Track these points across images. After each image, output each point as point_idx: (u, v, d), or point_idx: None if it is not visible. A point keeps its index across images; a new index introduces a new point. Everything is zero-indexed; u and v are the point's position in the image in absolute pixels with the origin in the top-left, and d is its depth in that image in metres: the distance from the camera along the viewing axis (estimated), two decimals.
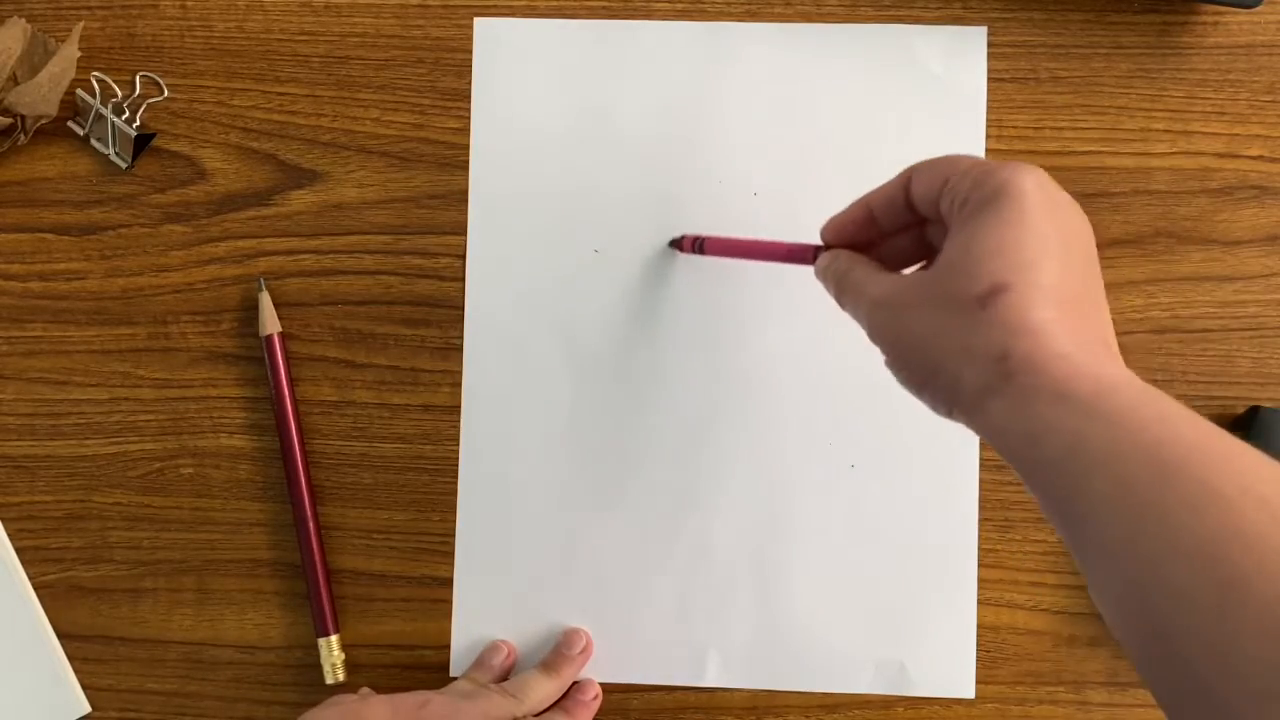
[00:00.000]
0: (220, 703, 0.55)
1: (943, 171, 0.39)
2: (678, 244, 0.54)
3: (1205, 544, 0.29)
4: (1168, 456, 0.31)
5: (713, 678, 0.54)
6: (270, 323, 0.54)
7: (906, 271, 0.40)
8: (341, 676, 0.54)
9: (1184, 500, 0.30)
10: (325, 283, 0.55)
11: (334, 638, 0.54)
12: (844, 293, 0.42)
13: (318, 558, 0.54)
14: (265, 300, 0.54)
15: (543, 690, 0.51)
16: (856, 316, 0.41)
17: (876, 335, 0.39)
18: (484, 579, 0.54)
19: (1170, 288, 0.54)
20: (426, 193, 0.55)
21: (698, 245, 0.52)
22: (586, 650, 0.53)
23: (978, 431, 0.36)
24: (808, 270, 0.54)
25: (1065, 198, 0.37)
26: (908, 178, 0.41)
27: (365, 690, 0.52)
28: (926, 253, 0.43)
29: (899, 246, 0.43)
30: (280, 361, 0.54)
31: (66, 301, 0.56)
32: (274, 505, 0.55)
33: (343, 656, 0.54)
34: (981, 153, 0.54)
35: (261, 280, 0.55)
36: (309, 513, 0.54)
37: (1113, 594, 0.32)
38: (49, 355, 0.55)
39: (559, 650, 0.53)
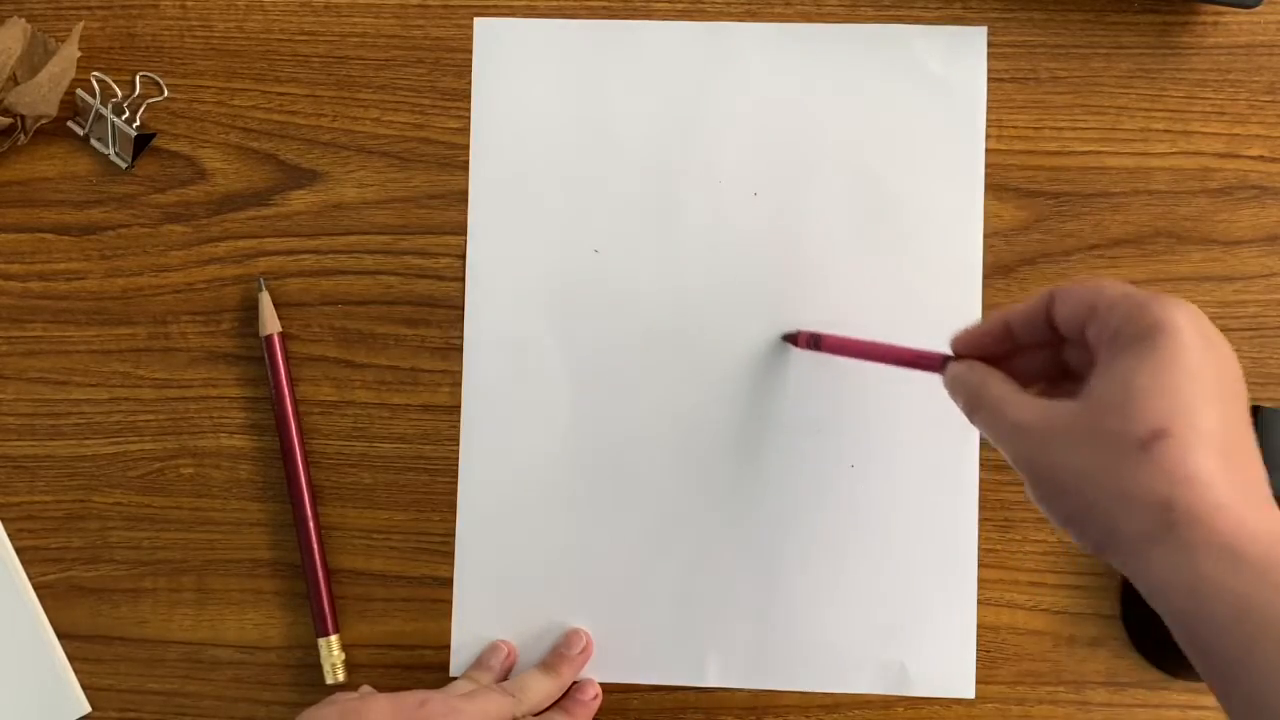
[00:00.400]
0: (220, 703, 0.55)
1: (1090, 299, 0.39)
2: (792, 339, 0.53)
3: None
4: None
5: (713, 678, 0.54)
6: (270, 323, 0.54)
7: (1049, 399, 0.39)
8: (341, 677, 0.54)
9: None
10: (325, 283, 0.55)
11: (334, 638, 0.54)
12: (978, 410, 0.41)
13: (318, 558, 0.54)
14: (265, 300, 0.54)
15: (542, 689, 0.52)
16: (993, 437, 0.40)
17: (1020, 463, 0.38)
18: (484, 579, 0.54)
19: (1170, 288, 0.54)
20: (426, 193, 0.55)
21: (814, 342, 0.51)
22: (586, 651, 0.53)
23: (1130, 576, 0.36)
24: (806, 269, 0.54)
25: (1218, 336, 0.37)
26: (1050, 299, 0.40)
27: (365, 689, 0.52)
28: (1060, 371, 0.42)
29: (1033, 362, 0.42)
30: (280, 361, 0.54)
31: (66, 301, 0.56)
32: (274, 505, 0.55)
33: (343, 656, 0.54)
34: (981, 153, 0.54)
35: (261, 280, 0.55)
36: (309, 513, 0.54)
37: None
38: (49, 355, 0.56)
39: (559, 650, 0.53)
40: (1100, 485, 0.35)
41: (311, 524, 0.54)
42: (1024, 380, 0.42)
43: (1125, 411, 0.35)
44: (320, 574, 0.54)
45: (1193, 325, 0.36)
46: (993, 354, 0.43)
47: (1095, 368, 0.37)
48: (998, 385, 0.41)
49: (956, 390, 0.42)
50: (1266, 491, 0.36)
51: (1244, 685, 0.32)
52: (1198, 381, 0.35)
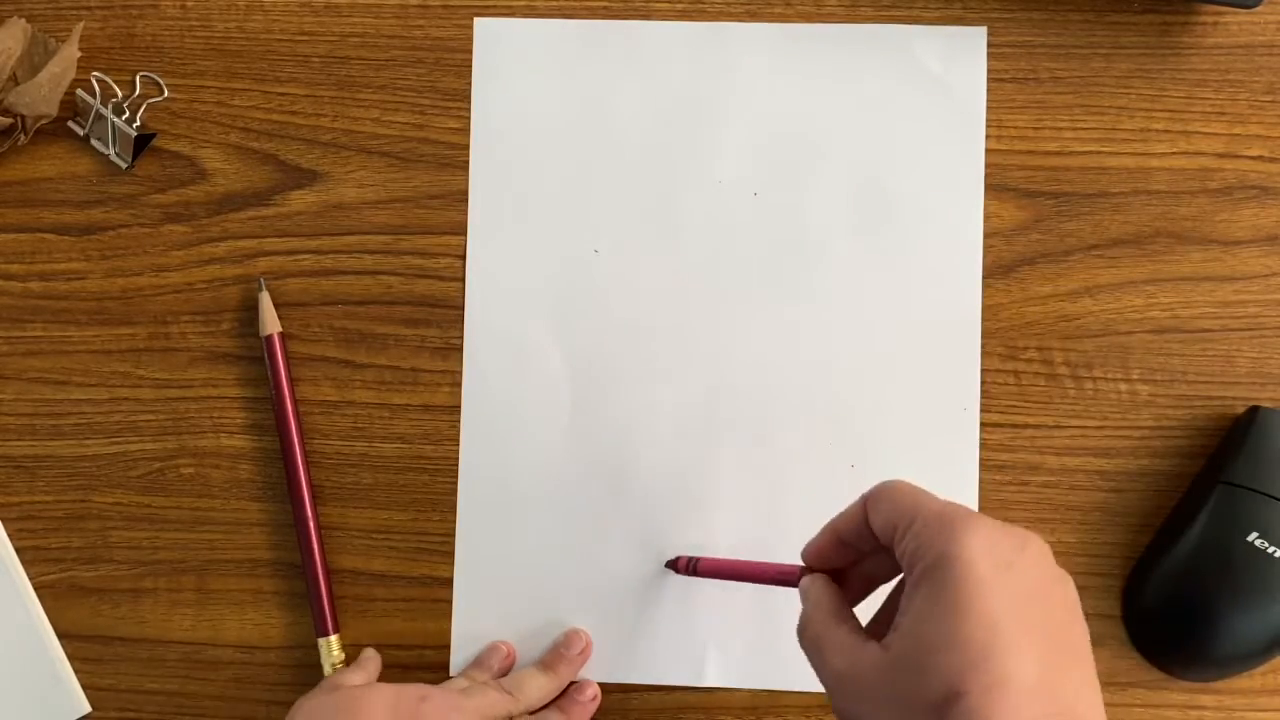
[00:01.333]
0: (220, 703, 0.55)
1: (899, 513, 0.37)
2: (673, 565, 0.53)
3: None
4: None
5: (713, 678, 0.54)
6: (270, 323, 0.54)
7: (863, 640, 0.38)
8: None
9: None
10: (325, 283, 0.55)
11: (334, 638, 0.54)
12: (802, 642, 0.40)
13: (318, 558, 0.54)
14: (265, 300, 0.54)
15: (539, 688, 0.52)
16: (818, 674, 0.39)
17: (834, 709, 0.37)
18: (484, 579, 0.54)
19: (1170, 288, 0.54)
20: (426, 193, 0.55)
21: (691, 566, 0.52)
22: (585, 651, 0.53)
23: None
24: (806, 269, 0.54)
25: (1022, 558, 0.35)
26: (863, 506, 0.39)
27: (368, 652, 0.52)
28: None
29: (881, 566, 0.41)
30: (280, 361, 0.54)
31: (66, 301, 0.56)
32: (274, 505, 0.55)
33: (342, 656, 0.54)
34: (981, 153, 0.54)
35: (262, 280, 0.55)
36: (309, 513, 0.54)
37: None
38: (49, 355, 0.56)
39: (557, 650, 0.53)
40: None
41: (311, 524, 0.54)
42: (878, 581, 0.41)
43: (918, 670, 0.34)
44: (320, 574, 0.54)
45: (983, 554, 0.34)
46: (842, 562, 0.42)
47: (902, 600, 0.36)
48: (821, 619, 0.39)
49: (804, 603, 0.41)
50: (1091, 707, 0.34)
51: None
52: (988, 627, 0.33)
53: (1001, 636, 0.33)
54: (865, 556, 0.41)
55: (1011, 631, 0.33)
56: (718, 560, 0.52)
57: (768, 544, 0.54)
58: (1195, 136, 0.54)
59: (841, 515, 0.41)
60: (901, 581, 0.38)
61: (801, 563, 0.44)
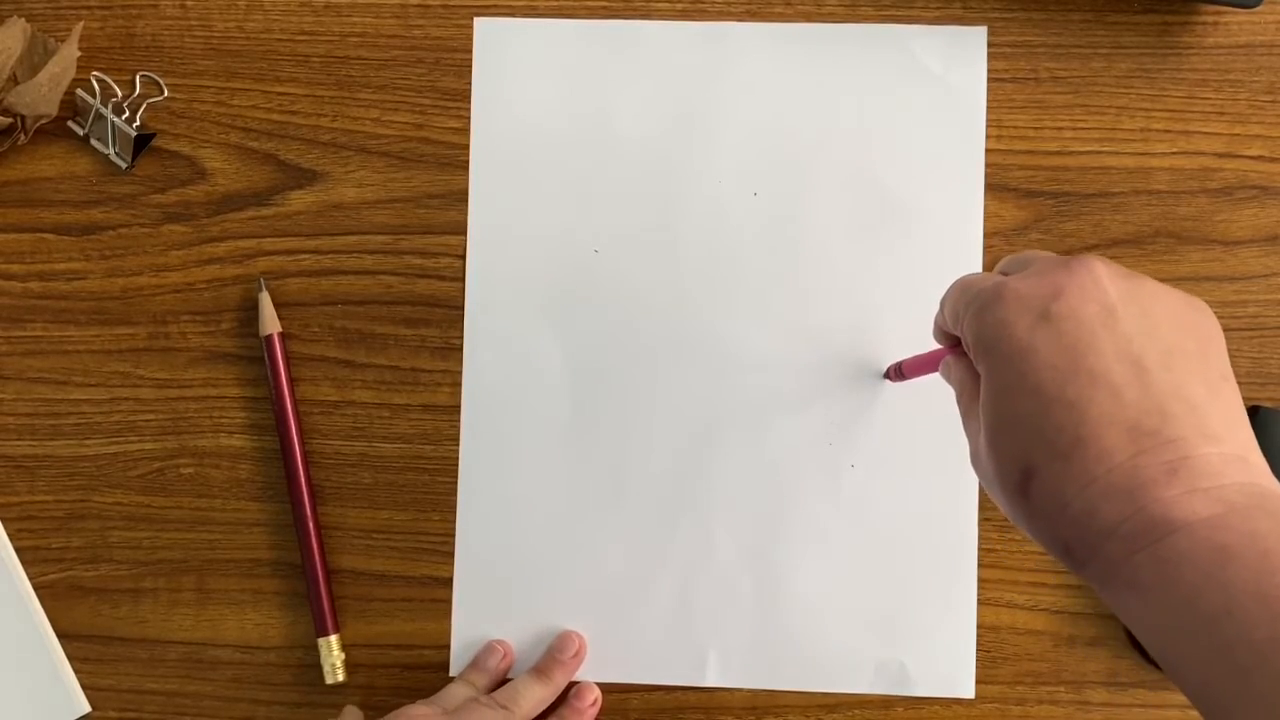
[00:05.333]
0: (220, 703, 0.55)
1: (952, 305, 0.36)
2: (888, 375, 0.52)
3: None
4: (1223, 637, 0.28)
5: (713, 678, 0.54)
6: (270, 322, 0.54)
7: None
8: (341, 676, 0.54)
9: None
10: (325, 283, 0.55)
11: (334, 638, 0.54)
12: (961, 416, 0.38)
13: (317, 557, 0.54)
14: (265, 300, 0.54)
15: (534, 697, 0.51)
16: None
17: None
18: (484, 579, 0.54)
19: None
20: (426, 193, 0.55)
21: (898, 372, 0.50)
22: (580, 654, 0.53)
23: None
24: (806, 269, 0.54)
25: (1060, 304, 0.32)
26: (942, 301, 0.38)
27: (351, 710, 0.52)
28: None
29: None
30: (280, 361, 0.54)
31: (66, 301, 0.56)
32: (274, 505, 0.55)
33: (343, 656, 0.54)
34: (981, 153, 0.54)
35: (262, 280, 0.55)
36: (309, 513, 0.54)
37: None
38: (49, 355, 0.56)
39: (551, 654, 0.53)
40: (1025, 528, 0.33)
41: (311, 524, 0.54)
42: None
43: (995, 456, 0.32)
44: (320, 574, 0.54)
45: (1012, 318, 0.32)
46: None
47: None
48: (961, 403, 0.38)
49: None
50: (1219, 433, 0.30)
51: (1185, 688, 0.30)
52: (1040, 398, 0.31)
53: (1056, 409, 0.31)
54: None
55: (1069, 400, 0.31)
56: (912, 360, 0.48)
57: (768, 543, 0.54)
58: (1195, 136, 0.54)
59: (937, 315, 0.40)
60: None
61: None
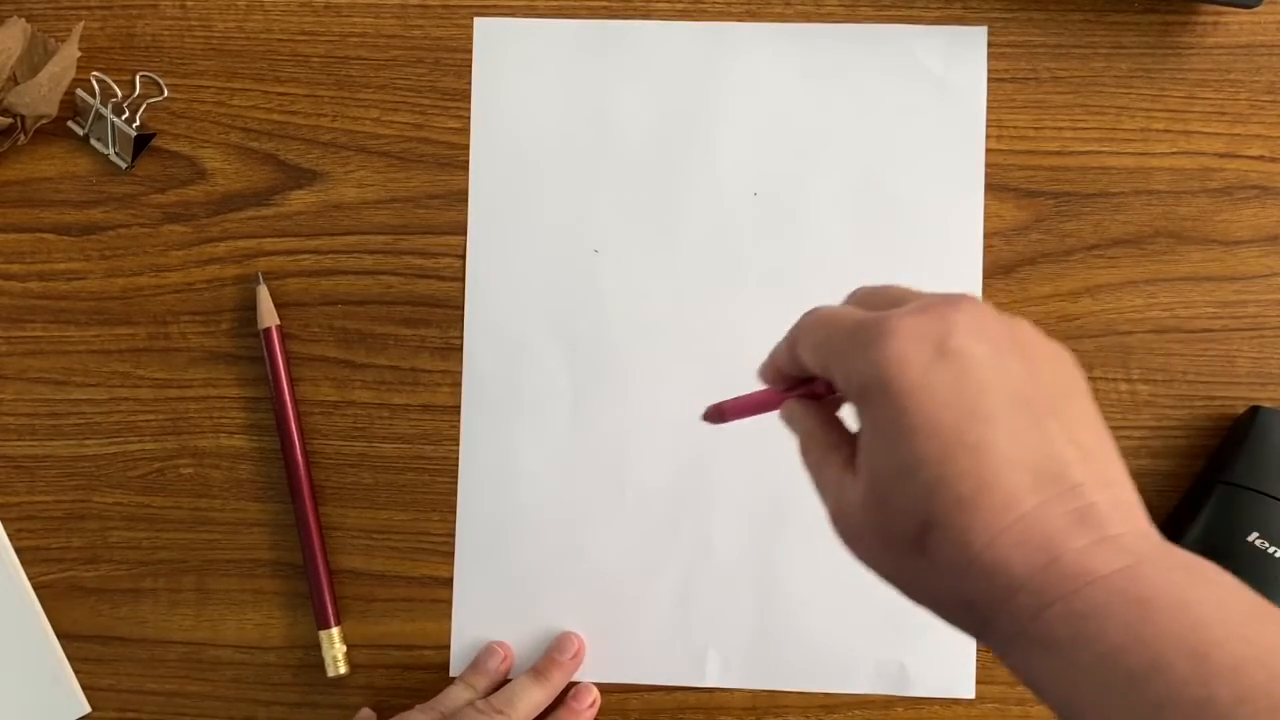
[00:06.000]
0: (220, 703, 0.55)
1: (822, 346, 0.33)
2: (707, 418, 0.45)
3: None
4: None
5: (713, 678, 0.54)
6: (268, 316, 0.54)
7: (845, 471, 0.33)
8: (343, 669, 0.54)
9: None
10: (325, 283, 0.55)
11: (335, 630, 0.54)
12: (807, 470, 0.35)
13: (317, 549, 0.54)
14: (263, 293, 0.54)
15: (531, 700, 0.51)
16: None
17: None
18: (484, 579, 0.54)
19: (1170, 288, 0.54)
20: (426, 193, 0.55)
21: (719, 413, 0.44)
22: (578, 655, 0.53)
23: None
24: (806, 269, 0.54)
25: (954, 341, 0.29)
26: (792, 342, 0.34)
27: (365, 713, 0.52)
28: None
29: None
30: (279, 355, 0.54)
31: (66, 301, 0.56)
32: (274, 505, 0.55)
33: (344, 649, 0.54)
34: (981, 153, 0.54)
35: (259, 274, 0.55)
36: (308, 505, 0.54)
37: None
38: (49, 355, 0.55)
39: (550, 655, 0.53)
40: (907, 588, 0.31)
41: (311, 515, 0.54)
42: None
43: (886, 507, 0.30)
44: (321, 564, 0.54)
45: (906, 357, 0.29)
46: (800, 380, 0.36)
47: (858, 435, 0.31)
48: (811, 452, 0.34)
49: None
50: (1112, 479, 0.29)
51: None
52: (937, 442, 0.28)
53: (957, 451, 0.28)
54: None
55: (965, 432, 0.28)
56: (735, 400, 0.42)
57: (768, 543, 0.54)
58: (1195, 136, 0.54)
59: (775, 354, 0.36)
60: None
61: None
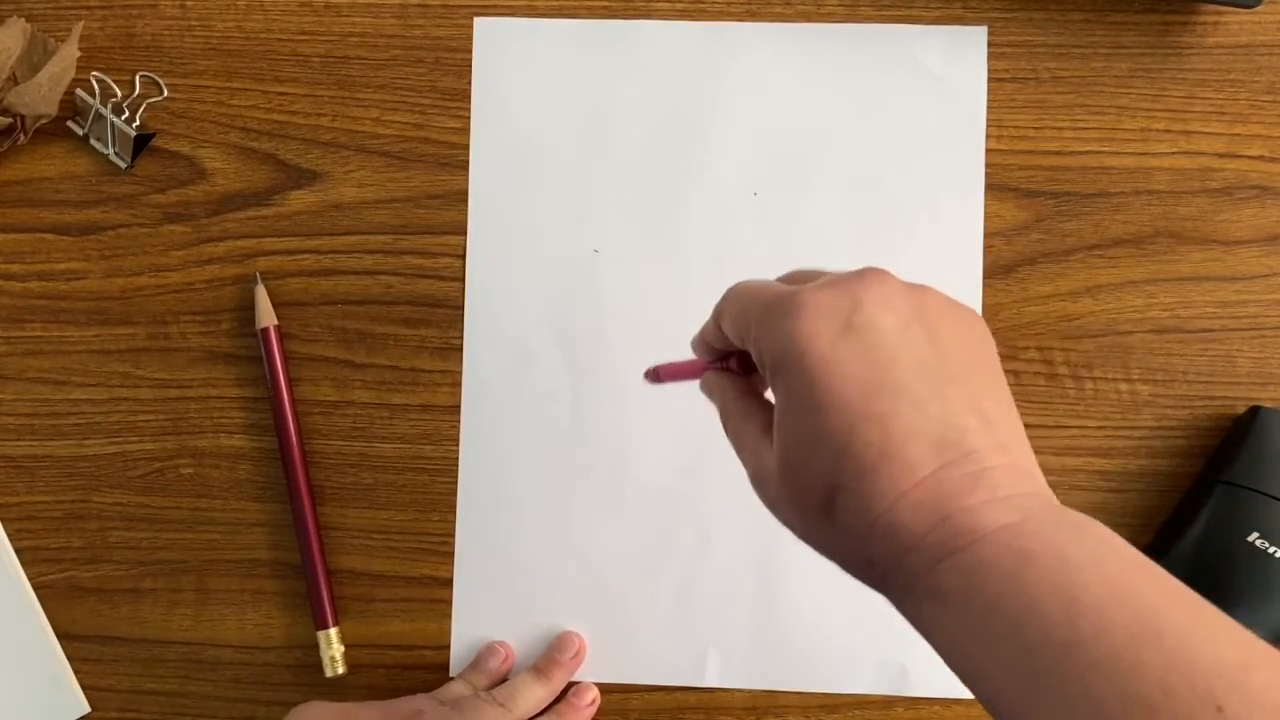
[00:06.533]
0: (220, 703, 0.55)
1: (739, 315, 0.34)
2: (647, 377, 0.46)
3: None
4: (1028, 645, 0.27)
5: (713, 678, 0.54)
6: (266, 315, 0.54)
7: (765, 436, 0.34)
8: (341, 670, 0.54)
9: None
10: (325, 282, 0.55)
11: (333, 631, 0.54)
12: (730, 439, 0.36)
13: (315, 550, 0.54)
14: (261, 293, 0.54)
15: (533, 696, 0.51)
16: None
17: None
18: (484, 579, 0.54)
19: (1170, 288, 0.54)
20: (426, 193, 0.55)
21: (655, 374, 0.45)
22: (579, 654, 0.53)
23: None
24: (806, 265, 0.54)
25: (861, 315, 0.31)
26: (719, 312, 0.36)
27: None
28: None
29: None
30: (277, 355, 0.54)
31: (66, 301, 0.56)
32: (274, 505, 0.55)
33: (343, 649, 0.54)
34: (981, 153, 0.54)
35: (258, 274, 0.55)
36: (306, 505, 0.54)
37: None
38: (49, 355, 0.55)
39: (551, 654, 0.53)
40: (818, 548, 0.33)
41: (309, 516, 0.54)
42: None
43: (797, 473, 0.31)
44: (319, 566, 0.54)
45: (815, 330, 0.30)
46: (726, 353, 0.38)
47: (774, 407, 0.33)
48: (730, 420, 0.36)
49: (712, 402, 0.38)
50: (1010, 444, 0.30)
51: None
52: (841, 411, 0.30)
53: (859, 422, 0.30)
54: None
55: (868, 414, 0.30)
56: (670, 365, 0.45)
57: (768, 543, 0.54)
58: (1196, 136, 0.54)
59: (704, 328, 0.38)
60: None
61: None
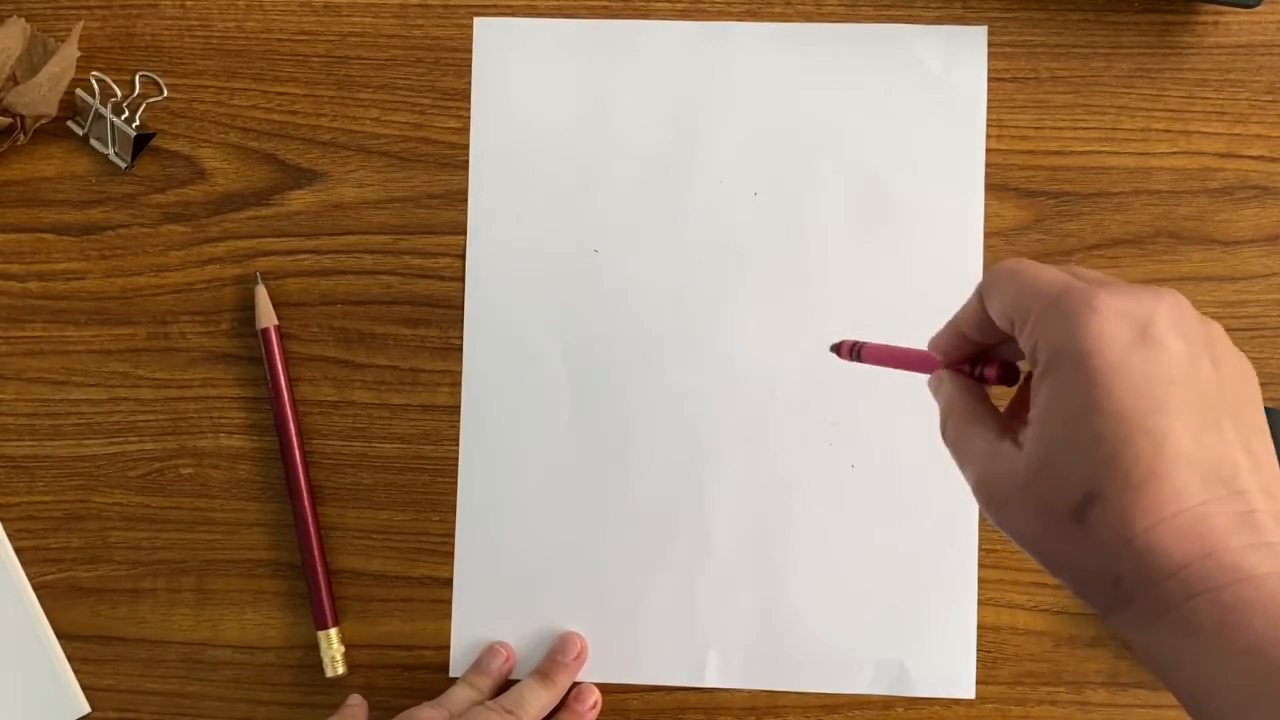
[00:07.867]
0: (220, 703, 0.55)
1: (1015, 304, 0.33)
2: (836, 349, 0.46)
3: None
4: None
5: (713, 678, 0.54)
6: (266, 315, 0.54)
7: (1001, 440, 0.34)
8: (341, 670, 0.54)
9: None
10: (325, 283, 0.55)
11: (333, 631, 0.54)
12: (946, 443, 0.36)
13: (316, 550, 0.54)
14: (261, 293, 0.54)
15: (539, 702, 0.51)
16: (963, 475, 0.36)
17: (987, 516, 0.34)
18: (484, 579, 0.54)
19: (1171, 288, 0.53)
20: (426, 193, 0.55)
21: (855, 352, 0.45)
22: (581, 655, 0.53)
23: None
24: (806, 269, 0.54)
25: (1154, 331, 0.30)
26: (980, 298, 0.35)
27: (354, 698, 0.52)
28: None
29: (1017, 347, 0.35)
30: (277, 355, 0.54)
31: (66, 301, 0.56)
32: (274, 505, 0.55)
33: (343, 649, 0.54)
34: (981, 153, 0.54)
35: (258, 274, 0.55)
36: (306, 504, 0.54)
37: None
38: (49, 355, 0.55)
39: (553, 657, 0.53)
40: (1055, 559, 0.32)
41: (309, 516, 0.54)
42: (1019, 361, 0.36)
43: (1054, 474, 0.31)
44: (319, 566, 0.54)
45: (1107, 337, 0.30)
46: (972, 353, 0.37)
47: (1031, 396, 0.32)
48: (957, 418, 0.36)
49: (937, 400, 0.38)
50: (1275, 491, 0.31)
51: None
52: (1118, 421, 0.29)
53: (1134, 435, 0.29)
54: (998, 343, 0.36)
55: (1147, 430, 0.29)
56: (878, 346, 0.44)
57: (768, 543, 0.54)
58: (1196, 136, 0.54)
59: (961, 310, 0.36)
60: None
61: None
